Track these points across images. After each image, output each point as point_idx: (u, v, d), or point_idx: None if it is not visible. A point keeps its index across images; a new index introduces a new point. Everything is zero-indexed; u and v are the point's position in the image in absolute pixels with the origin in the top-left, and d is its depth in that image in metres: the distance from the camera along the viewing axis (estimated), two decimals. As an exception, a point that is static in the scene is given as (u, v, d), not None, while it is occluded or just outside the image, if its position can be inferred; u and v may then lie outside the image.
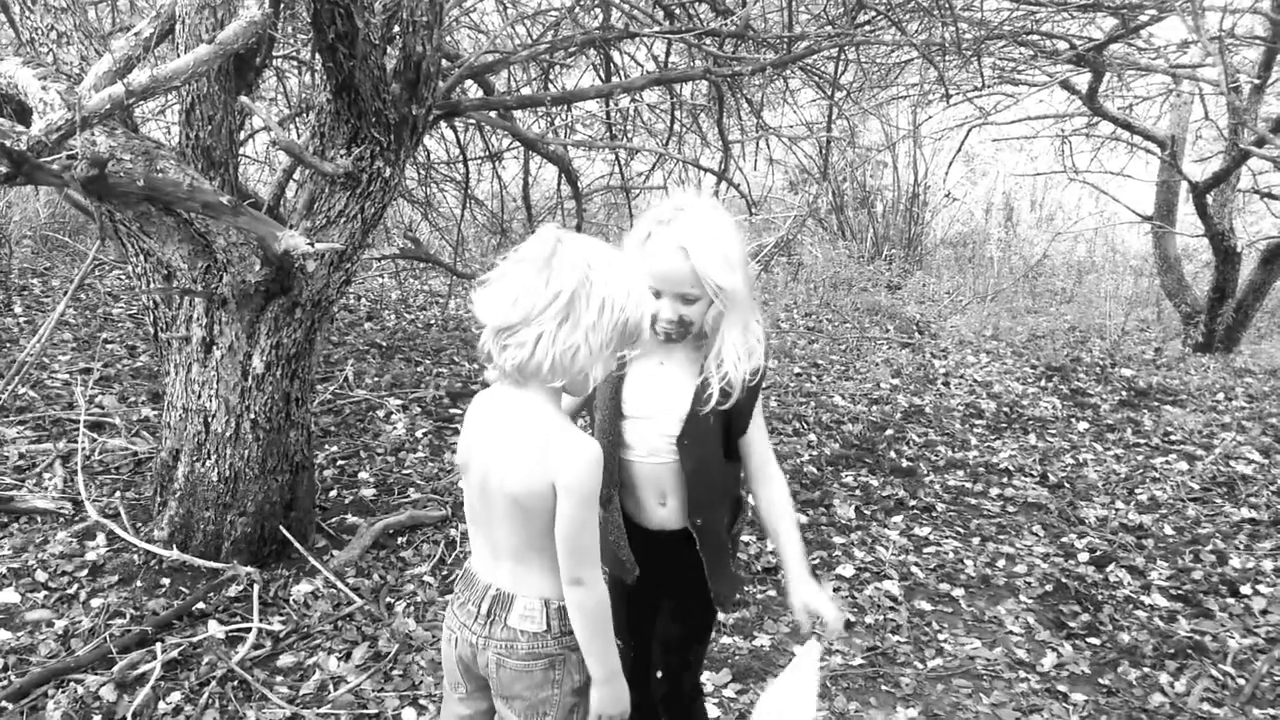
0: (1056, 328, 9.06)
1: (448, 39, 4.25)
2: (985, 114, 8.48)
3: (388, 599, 3.17)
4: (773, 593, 3.41)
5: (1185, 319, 8.49)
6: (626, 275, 1.47)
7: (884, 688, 2.86)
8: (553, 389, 1.50)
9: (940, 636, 3.20)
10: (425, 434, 4.68)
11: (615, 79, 5.64)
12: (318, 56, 3.24)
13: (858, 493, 4.44)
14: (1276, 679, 2.99)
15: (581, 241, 1.47)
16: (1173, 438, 5.54)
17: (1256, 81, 7.14)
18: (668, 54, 5.48)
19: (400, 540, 3.57)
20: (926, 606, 3.40)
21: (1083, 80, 7.58)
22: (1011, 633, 3.26)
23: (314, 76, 4.95)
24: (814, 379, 6.46)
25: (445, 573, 3.39)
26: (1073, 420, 5.88)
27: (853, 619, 3.26)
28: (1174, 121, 8.50)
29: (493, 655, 1.59)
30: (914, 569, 3.70)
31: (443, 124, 5.23)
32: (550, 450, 1.46)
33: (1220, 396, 6.54)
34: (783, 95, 6.23)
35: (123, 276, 6.77)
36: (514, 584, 1.58)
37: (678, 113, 6.06)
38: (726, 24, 3.60)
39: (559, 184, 6.60)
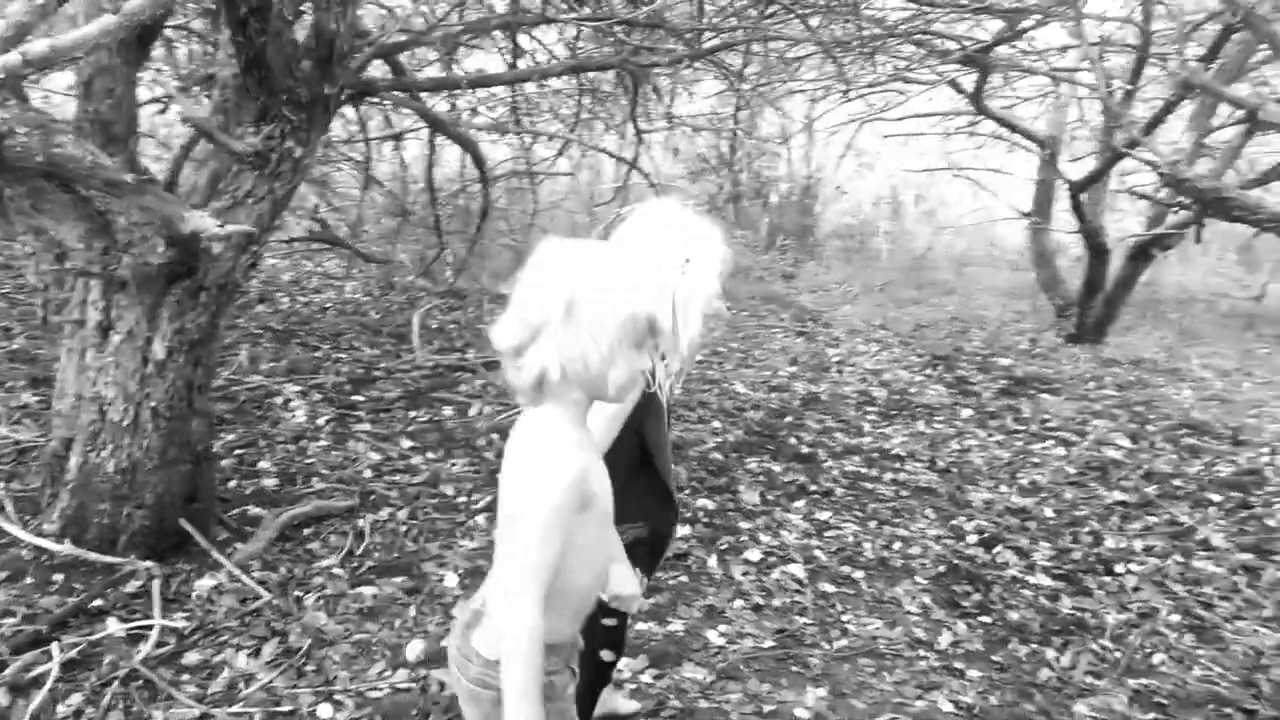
0: (939, 318, 9.45)
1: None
2: (877, 110, 8.75)
3: (296, 592, 3.10)
4: (684, 579, 3.48)
5: (1058, 311, 8.96)
6: (622, 271, 1.44)
7: (794, 668, 2.95)
8: (574, 401, 1.45)
9: (844, 618, 3.32)
10: (327, 421, 4.57)
11: (522, 62, 5.59)
12: (223, 29, 3.12)
13: (761, 479, 4.55)
14: (1149, 651, 3.22)
15: (574, 246, 1.46)
16: (1049, 424, 5.86)
17: (1129, 87, 7.58)
18: (577, 39, 5.46)
19: (306, 532, 3.49)
20: (830, 589, 3.53)
21: (969, 80, 7.89)
22: (910, 613, 3.42)
23: (208, 48, 4.75)
24: (716, 366, 6.57)
25: (355, 565, 3.33)
26: (957, 407, 6.15)
27: (761, 602, 3.36)
28: (1052, 122, 8.95)
29: (453, 667, 1.56)
30: (817, 552, 3.83)
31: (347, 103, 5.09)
32: (533, 462, 1.43)
33: (1091, 385, 6.94)
34: (687, 86, 6.29)
35: (-9, 252, 6.37)
36: (489, 603, 1.52)
37: (584, 98, 6.04)
38: (640, 13, 3.62)
39: (463, 167, 6.51)
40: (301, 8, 3.07)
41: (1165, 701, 2.91)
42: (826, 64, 6.74)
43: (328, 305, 6.96)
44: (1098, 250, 8.26)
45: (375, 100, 5.14)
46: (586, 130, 6.11)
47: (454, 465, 4.30)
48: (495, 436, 4.64)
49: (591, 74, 6.61)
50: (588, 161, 8.81)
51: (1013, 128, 8.73)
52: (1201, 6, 6.93)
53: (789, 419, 5.53)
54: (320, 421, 4.58)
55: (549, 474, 1.39)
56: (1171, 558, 4.02)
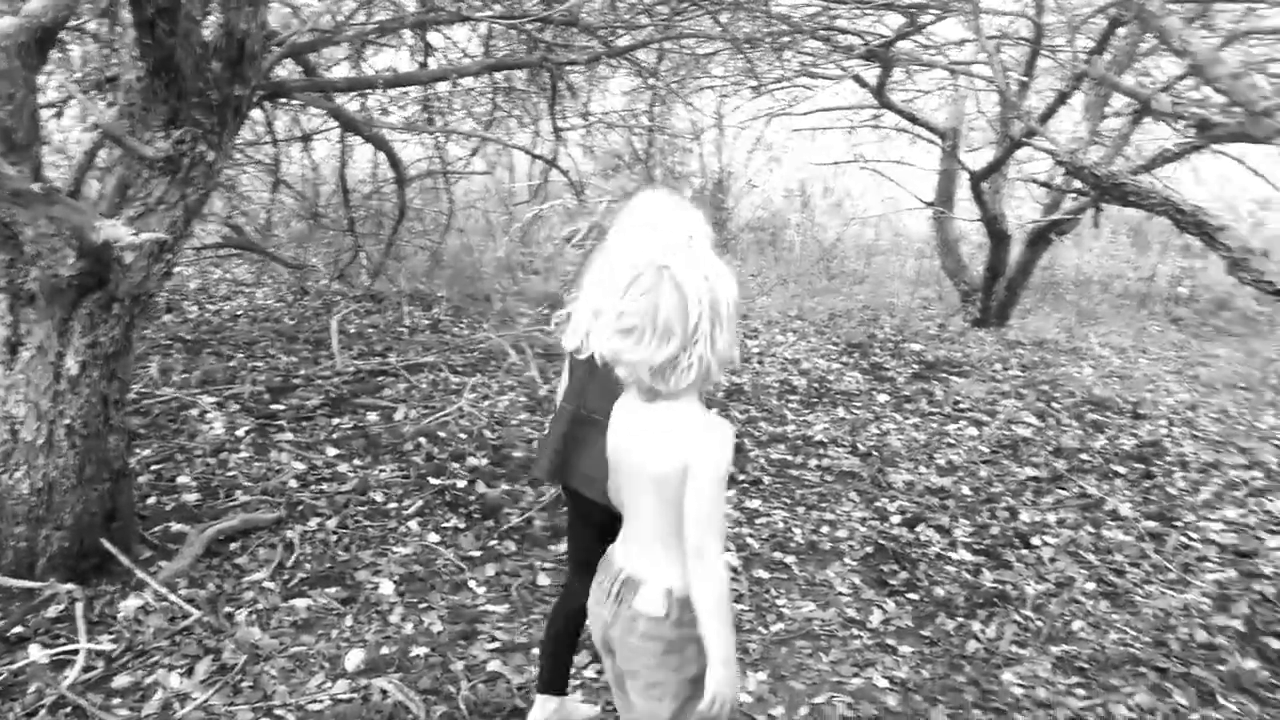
0: (852, 307, 9.67)
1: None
2: (785, 105, 8.92)
3: (226, 608, 3.02)
4: (622, 572, 3.51)
5: (964, 297, 9.26)
6: (724, 268, 1.67)
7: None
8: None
9: (779, 602, 3.40)
10: (247, 432, 4.45)
11: (433, 61, 5.53)
12: (127, 31, 3.01)
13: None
14: (1068, 619, 3.38)
15: (681, 249, 1.72)
16: (961, 406, 6.07)
17: (1024, 79, 7.87)
18: (489, 37, 5.43)
19: (233, 546, 3.41)
20: (764, 574, 3.60)
21: (873, 75, 8.10)
22: (841, 594, 3.51)
23: (105, 50, 4.57)
24: (638, 361, 6.61)
25: (286, 577, 3.27)
26: (874, 393, 6.32)
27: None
28: (952, 114, 9.23)
29: (617, 631, 1.78)
30: (749, 540, 3.90)
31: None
32: (687, 434, 1.64)
33: (998, 367, 7.21)
34: (602, 83, 6.31)
35: None
36: (642, 571, 1.75)
37: (498, 96, 6.01)
38: (555, 12, 3.62)
39: (374, 167, 6.41)
40: (209, 8, 2.99)
41: (1086, 666, 3.05)
42: (736, 60, 6.85)
43: (239, 313, 6.77)
44: (998, 237, 8.56)
45: (283, 101, 5.02)
46: (501, 128, 6.07)
47: (382, 471, 4.24)
48: (422, 440, 4.59)
49: (505, 72, 6.59)
50: (504, 160, 8.75)
51: (914, 120, 8.98)
52: (1089, 1, 7.26)
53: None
54: (240, 432, 4.46)
55: (719, 444, 1.64)
56: (1083, 528, 4.21)
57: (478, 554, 3.58)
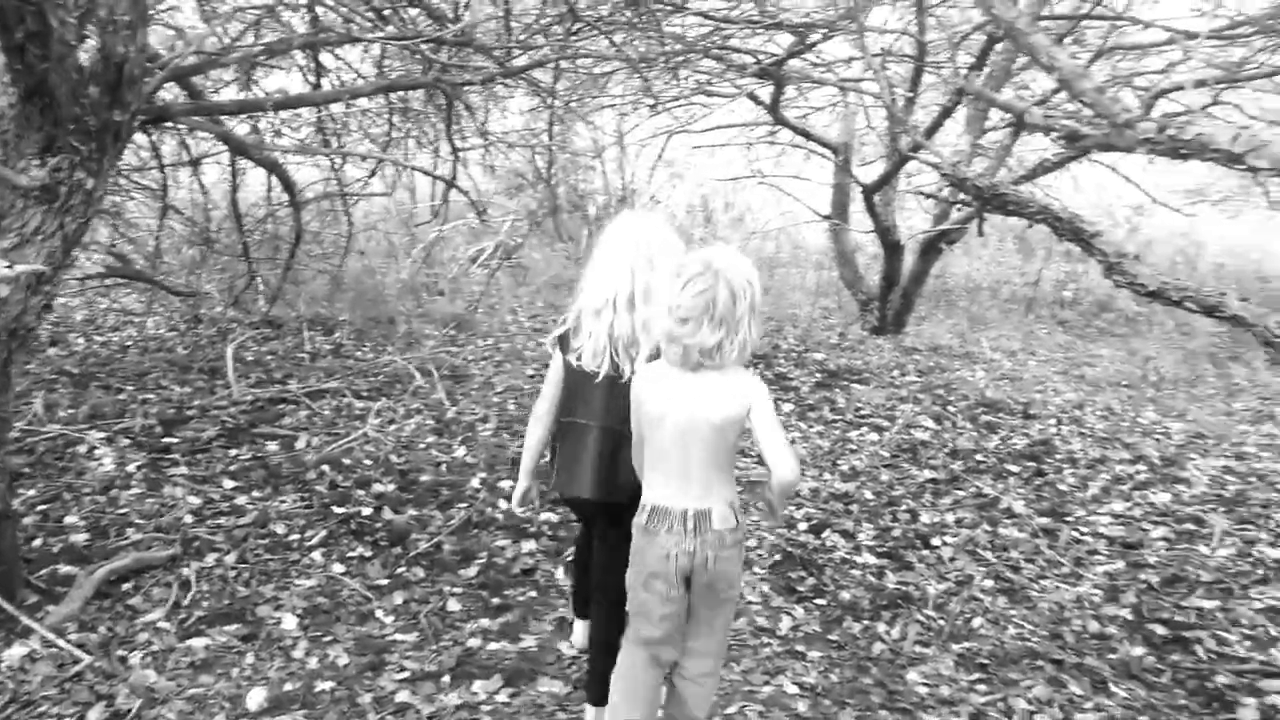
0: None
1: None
2: (683, 123, 9.04)
3: (119, 652, 2.90)
4: (533, 594, 3.49)
5: (861, 306, 9.52)
6: (755, 270, 2.22)
7: (647, 669, 3.02)
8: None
9: (691, 615, 3.42)
10: (139, 467, 4.28)
11: (326, 82, 5.44)
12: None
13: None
14: (968, 616, 3.50)
15: (723, 253, 2.21)
16: (862, 412, 6.23)
17: (910, 94, 8.16)
18: (383, 57, 5.37)
19: (126, 587, 3.27)
20: (676, 588, 3.63)
21: (766, 92, 8.28)
22: (751, 602, 3.56)
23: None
24: (545, 380, 6.59)
25: (182, 616, 3.15)
26: (779, 402, 6.43)
27: (611, 609, 3.41)
28: (843, 129, 9.50)
29: (710, 553, 2.25)
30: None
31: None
32: (743, 387, 2.22)
33: (896, 373, 7.42)
34: (500, 102, 6.31)
35: None
36: (706, 501, 2.25)
37: (394, 117, 5.94)
38: (448, 32, 3.61)
39: (269, 190, 6.25)
40: (85, 32, 2.89)
41: (986, 661, 3.17)
42: (633, 79, 6.92)
43: (129, 344, 6.51)
44: (892, 247, 8.83)
45: (170, 125, 4.87)
46: (400, 149, 6.01)
47: (283, 502, 4.13)
48: (326, 468, 4.49)
49: (401, 92, 6.53)
50: (404, 181, 8.63)
51: (808, 136, 9.21)
52: (967, 19, 7.58)
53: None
54: (131, 468, 4.29)
55: (764, 387, 2.24)
56: (980, 527, 4.37)
57: (385, 582, 3.51)
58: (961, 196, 7.04)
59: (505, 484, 4.45)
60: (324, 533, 3.85)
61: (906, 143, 7.69)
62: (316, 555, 3.68)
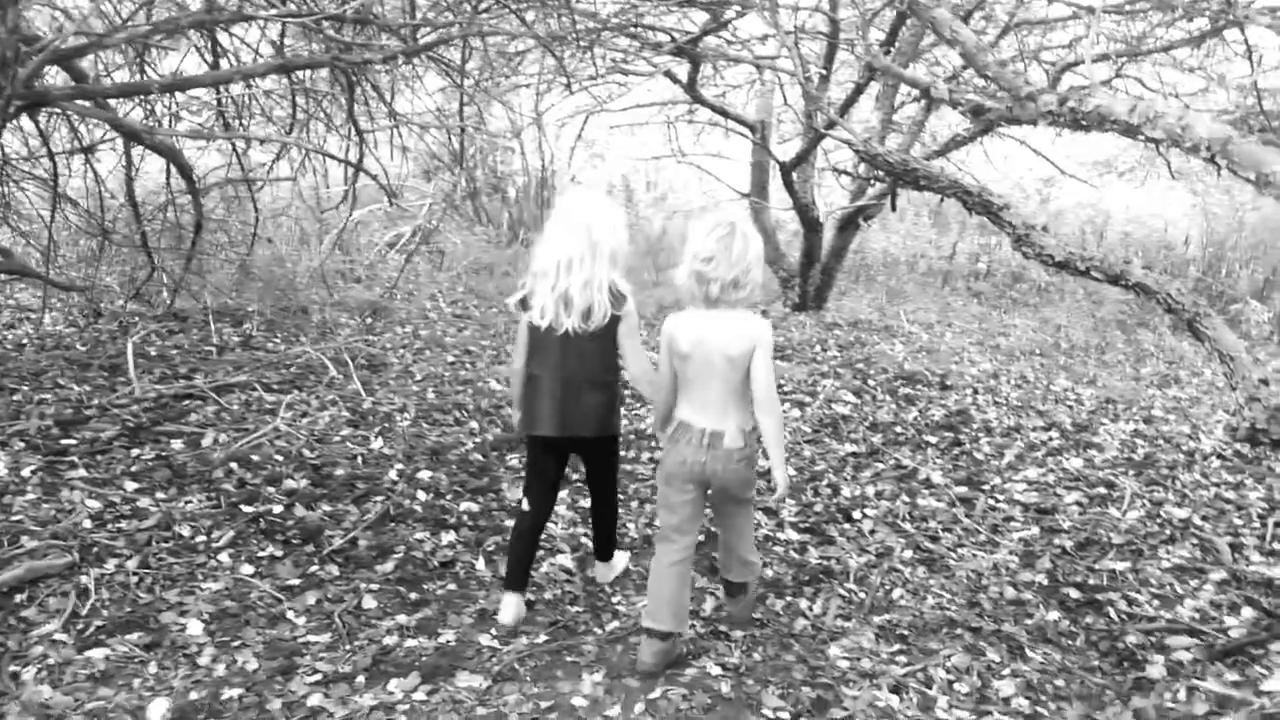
0: (680, 299, 9.82)
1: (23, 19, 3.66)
2: (601, 102, 8.94)
3: (12, 667, 2.74)
4: (453, 586, 3.41)
5: (783, 283, 9.57)
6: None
7: (569, 659, 2.98)
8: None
9: (614, 600, 3.39)
10: (34, 471, 4.06)
11: (225, 63, 5.22)
12: None
13: (523, 474, 4.54)
14: (888, 588, 3.53)
15: (738, 215, 2.91)
16: (785, 388, 6.25)
17: (824, 72, 8.20)
18: (282, 37, 5.17)
19: (19, 598, 3.10)
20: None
21: (683, 71, 8.23)
22: (676, 585, 3.54)
23: None
24: (468, 366, 6.48)
25: (81, 627, 3.00)
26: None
27: (532, 598, 3.36)
28: (761, 107, 9.51)
29: (718, 465, 2.83)
30: (584, 539, 3.88)
31: (23, 115, 4.53)
32: (754, 331, 2.78)
33: (818, 349, 7.48)
34: (409, 82, 6.13)
35: None
36: (721, 423, 2.82)
37: (300, 99, 5.73)
38: (348, 9, 3.47)
39: (168, 178, 5.98)
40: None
41: (906, 633, 3.20)
42: (548, 59, 6.80)
43: (24, 341, 6.19)
44: (811, 224, 8.89)
45: (57, 110, 4.61)
46: (304, 132, 5.80)
47: (189, 503, 3.96)
48: (234, 466, 4.33)
49: (307, 74, 6.30)
50: (314, 165, 8.34)
51: (725, 114, 9.19)
52: (877, -2, 7.64)
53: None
54: (25, 473, 4.07)
55: (768, 329, 2.81)
56: (899, 498, 4.42)
57: (297, 582, 3.40)
58: (876, 172, 7.11)
59: (424, 474, 4.35)
60: (232, 533, 3.71)
61: (821, 120, 7.73)
62: (224, 557, 3.54)
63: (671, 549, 2.93)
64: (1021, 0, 7.22)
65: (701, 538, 4.06)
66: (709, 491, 2.93)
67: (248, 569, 3.47)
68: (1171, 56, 7.00)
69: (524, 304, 3.04)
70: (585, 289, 2.92)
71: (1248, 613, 3.29)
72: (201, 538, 3.68)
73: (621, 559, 3.61)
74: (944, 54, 8.35)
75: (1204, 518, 4.19)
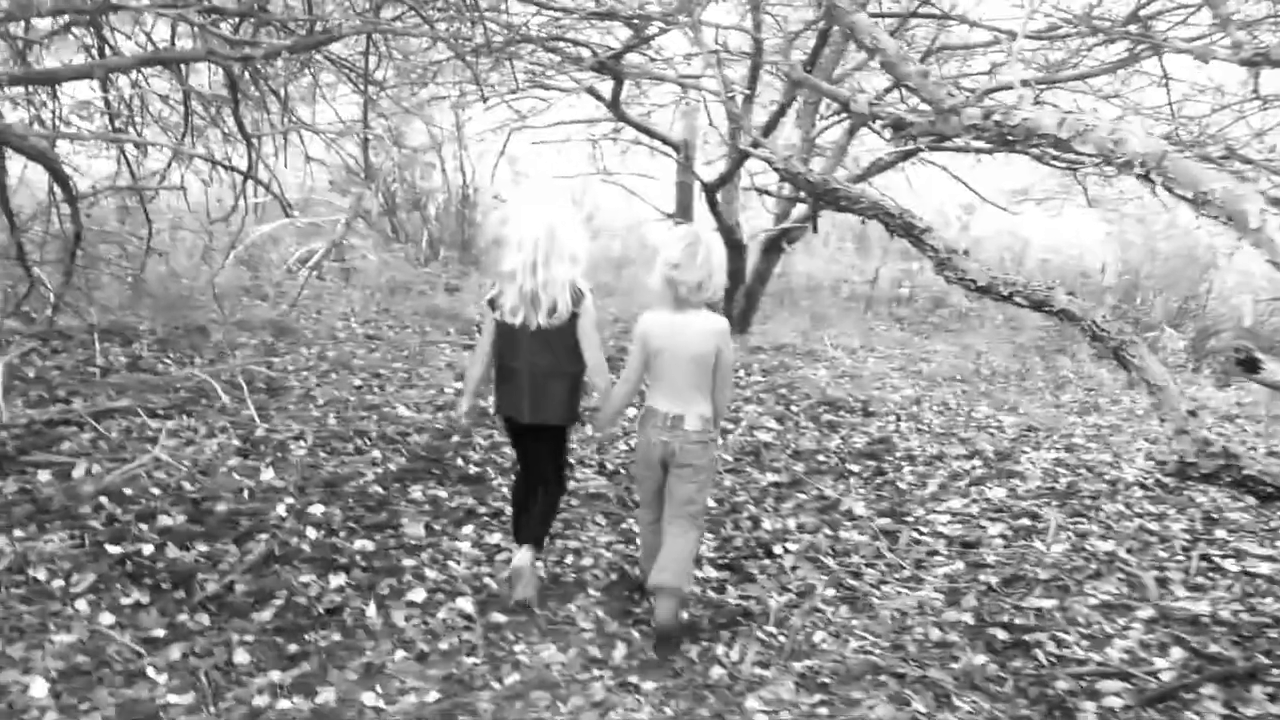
0: (603, 319, 9.58)
1: None
2: (523, 117, 8.70)
3: None
4: (337, 637, 3.10)
5: (708, 306, 9.43)
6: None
7: (460, 718, 2.70)
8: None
9: (516, 649, 3.12)
10: None
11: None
12: None
13: (427, 507, 4.25)
14: (810, 630, 3.33)
15: (698, 226, 3.96)
16: (708, 415, 6.06)
17: (747, 92, 8.10)
18: (173, 37, 4.83)
19: None
20: (501, 619, 3.31)
21: (607, 88, 8.05)
22: (584, 630, 3.29)
23: None
24: (376, 390, 6.14)
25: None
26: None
27: (426, 649, 3.07)
28: (685, 127, 9.39)
29: (678, 445, 3.22)
30: (487, 580, 3.61)
31: None
32: (716, 329, 3.25)
33: (741, 373, 7.32)
34: (314, 89, 5.81)
35: None
36: (681, 409, 3.24)
37: (193, 103, 5.37)
38: (236, 2, 3.18)
39: (51, 186, 5.55)
40: None
41: (828, 680, 2.99)
42: (465, 70, 6.54)
43: (-121, 361, 5.66)
44: (735, 246, 8.75)
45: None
46: (198, 139, 5.44)
47: (49, 542, 3.57)
48: (105, 500, 3.94)
49: (206, 79, 5.93)
50: (219, 176, 7.88)
51: (650, 133, 9.04)
52: (802, 18, 7.58)
53: (456, 438, 5.25)
54: None
55: (727, 325, 3.31)
56: (821, 531, 4.25)
57: (162, 633, 3.05)
58: (800, 194, 7.00)
59: (316, 509, 4.02)
60: (94, 577, 3.34)
61: (745, 140, 7.61)
62: (82, 604, 3.18)
63: (647, 514, 3.45)
64: (943, 25, 7.22)
65: (587, 560, 3.84)
66: (663, 468, 3.29)
67: (107, 618, 3.12)
68: (1088, 84, 7.05)
69: (492, 303, 3.40)
70: (548, 288, 3.22)
71: (1177, 653, 3.18)
72: (59, 582, 3.31)
73: (532, 559, 3.51)
74: (864, 78, 8.34)
75: (1129, 550, 4.10)
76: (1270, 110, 5.60)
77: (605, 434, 3.78)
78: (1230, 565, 3.98)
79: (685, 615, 3.35)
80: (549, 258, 3.21)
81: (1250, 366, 2.56)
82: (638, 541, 3.65)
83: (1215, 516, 4.56)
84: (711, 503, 4.56)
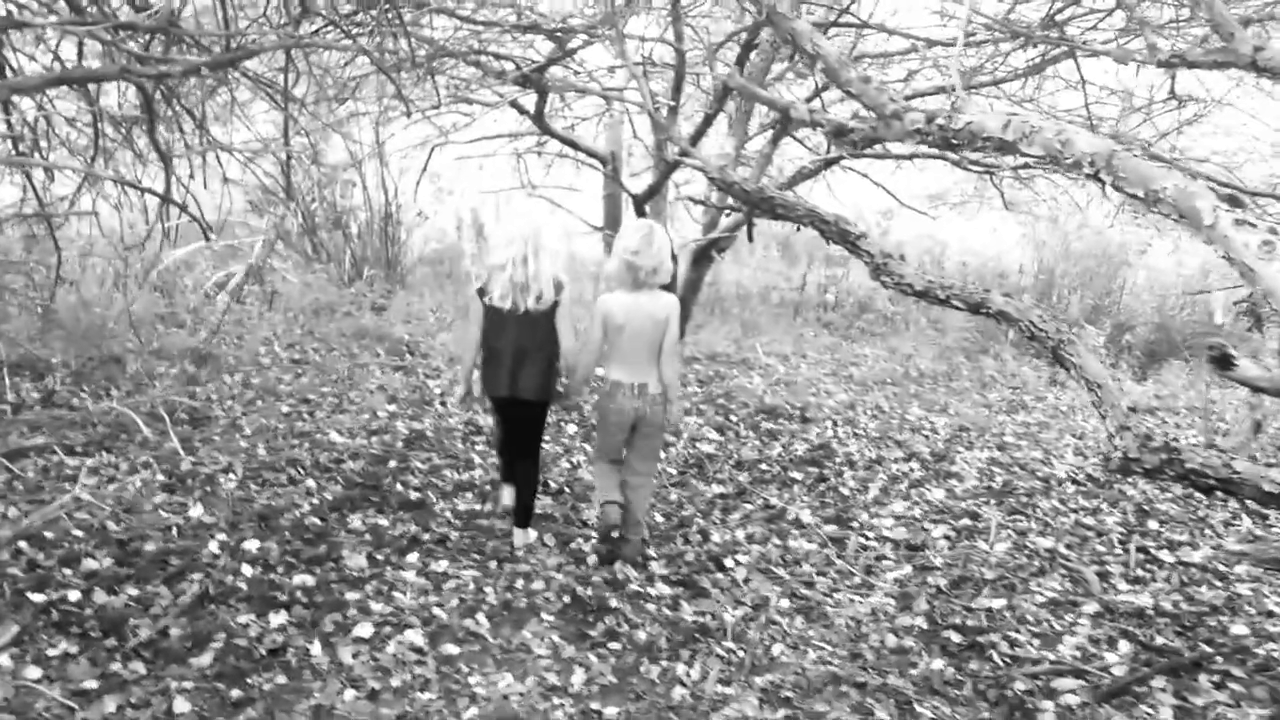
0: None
1: None
2: (445, 133, 8.57)
3: None
4: (282, 679, 2.97)
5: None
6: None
7: (421, 757, 2.61)
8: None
9: (472, 680, 3.03)
10: None
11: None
12: None
13: (368, 537, 4.11)
14: (768, 644, 3.31)
15: (652, 221, 4.38)
16: (648, 428, 6.03)
17: (672, 103, 8.12)
18: (80, 56, 4.61)
19: None
20: (454, 650, 3.22)
21: (530, 101, 7.98)
22: (540, 656, 3.21)
23: None
24: (306, 416, 5.95)
25: None
26: (562, 424, 6.13)
27: (377, 686, 2.96)
28: (611, 139, 9.38)
29: (645, 407, 3.85)
30: (436, 610, 3.50)
31: None
32: (669, 304, 3.84)
33: (680, 385, 7.31)
34: (230, 107, 5.62)
35: None
36: (646, 377, 3.85)
37: (102, 124, 5.14)
38: (141, 17, 3.03)
39: (-54, 214, 5.26)
40: None
41: (791, 694, 2.98)
42: (387, 85, 6.41)
43: None
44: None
45: None
46: (109, 162, 5.21)
47: (-41, 594, 3.35)
48: (23, 546, 3.72)
49: (115, 100, 5.69)
50: (130, 200, 7.56)
51: (575, 146, 8.98)
52: (721, 31, 7.62)
53: (393, 463, 5.11)
54: None
55: (677, 302, 3.91)
56: (770, 541, 4.25)
57: (94, 685, 2.88)
58: (730, 203, 7.03)
59: (251, 545, 3.86)
60: (16, 629, 3.13)
61: (672, 151, 7.62)
62: (4, 659, 2.98)
63: (605, 464, 4.01)
64: (860, 33, 7.34)
65: (538, 584, 3.77)
66: (633, 428, 3.88)
67: (34, 671, 2.93)
68: (1002, 90, 7.24)
69: (481, 292, 3.88)
70: (535, 278, 3.75)
71: (1125, 647, 3.24)
72: (-28, 636, 3.10)
73: (532, 533, 4.18)
74: (788, 86, 8.43)
75: (1068, 546, 4.19)
76: (1178, 112, 5.83)
77: (575, 399, 4.31)
78: (1165, 556, 4.09)
79: (640, 635, 3.31)
80: (537, 252, 3.76)
81: (1223, 364, 2.61)
82: (593, 489, 4.40)
83: (1147, 509, 4.69)
84: (659, 518, 4.54)
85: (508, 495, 4.27)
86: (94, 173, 4.01)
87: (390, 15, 4.28)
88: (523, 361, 3.84)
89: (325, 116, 6.64)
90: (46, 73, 3.62)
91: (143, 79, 3.05)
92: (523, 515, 4.11)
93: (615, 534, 3.89)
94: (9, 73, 4.59)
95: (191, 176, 5.69)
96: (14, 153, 5.32)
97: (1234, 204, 2.05)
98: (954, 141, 2.49)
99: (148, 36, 4.00)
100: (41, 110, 4.72)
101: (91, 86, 4.52)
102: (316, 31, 4.50)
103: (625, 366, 3.83)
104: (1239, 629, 3.41)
